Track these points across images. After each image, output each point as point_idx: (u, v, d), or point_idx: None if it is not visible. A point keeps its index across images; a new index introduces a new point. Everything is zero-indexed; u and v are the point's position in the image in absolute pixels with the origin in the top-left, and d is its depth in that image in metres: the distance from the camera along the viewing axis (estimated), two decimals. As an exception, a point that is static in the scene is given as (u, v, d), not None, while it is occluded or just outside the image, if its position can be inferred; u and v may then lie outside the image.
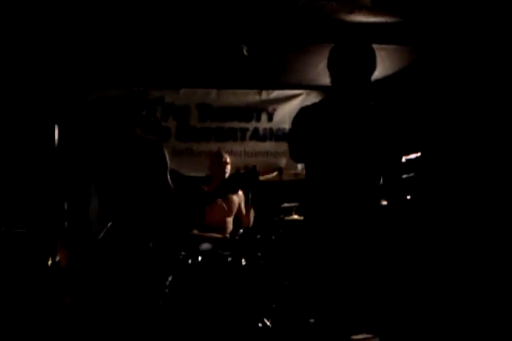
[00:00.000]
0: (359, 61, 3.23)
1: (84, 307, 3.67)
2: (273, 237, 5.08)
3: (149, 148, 3.96)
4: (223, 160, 5.81)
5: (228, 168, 5.84)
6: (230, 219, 5.83)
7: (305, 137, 3.36)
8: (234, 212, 5.88)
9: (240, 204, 5.92)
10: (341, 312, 3.57)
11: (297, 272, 4.74)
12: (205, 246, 5.20)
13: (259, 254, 4.95)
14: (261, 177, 5.66)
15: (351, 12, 4.70)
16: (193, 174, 6.69)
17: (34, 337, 4.39)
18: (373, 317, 4.86)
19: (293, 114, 7.04)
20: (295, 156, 3.52)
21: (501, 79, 5.12)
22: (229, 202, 5.81)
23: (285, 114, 7.05)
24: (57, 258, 3.90)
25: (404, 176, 5.66)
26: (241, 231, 5.34)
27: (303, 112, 3.46)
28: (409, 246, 5.39)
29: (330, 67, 3.35)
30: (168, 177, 3.91)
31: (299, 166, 6.88)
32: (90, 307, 3.69)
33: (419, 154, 5.60)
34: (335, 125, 3.26)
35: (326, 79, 6.59)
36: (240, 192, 5.94)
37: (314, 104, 3.47)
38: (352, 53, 3.25)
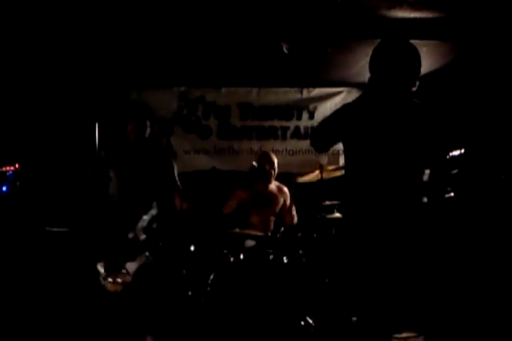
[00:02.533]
0: (403, 61, 3.18)
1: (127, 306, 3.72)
2: (315, 235, 5.06)
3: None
4: (271, 160, 5.78)
5: (275, 168, 5.82)
6: (273, 218, 5.83)
7: (340, 132, 3.41)
8: (277, 211, 5.87)
9: (284, 202, 5.91)
10: (384, 311, 3.55)
11: (339, 270, 4.71)
12: (250, 243, 5.21)
13: (300, 252, 4.93)
14: (301, 179, 5.67)
15: (392, 7, 4.65)
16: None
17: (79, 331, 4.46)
18: (416, 315, 4.83)
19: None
20: (318, 145, 3.61)
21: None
22: (272, 201, 5.80)
23: (326, 111, 7.00)
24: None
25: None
26: (282, 229, 5.33)
27: (345, 108, 3.45)
28: (453, 244, 5.32)
29: (372, 65, 3.29)
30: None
31: (341, 164, 6.85)
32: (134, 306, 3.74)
33: (462, 151, 5.52)
34: (377, 123, 3.23)
35: (367, 76, 6.62)
36: (285, 189, 5.94)
37: (356, 101, 3.44)
38: (396, 53, 3.20)
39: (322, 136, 3.53)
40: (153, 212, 3.93)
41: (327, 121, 3.52)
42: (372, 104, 3.30)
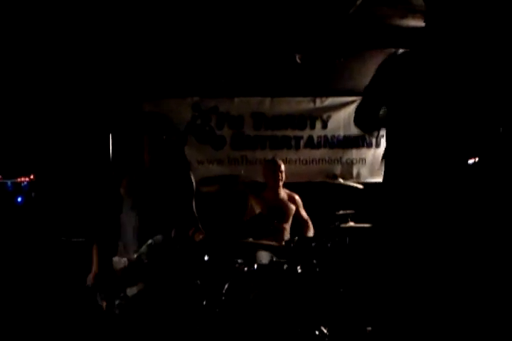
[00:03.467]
0: None
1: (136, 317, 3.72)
2: (329, 245, 5.05)
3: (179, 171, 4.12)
4: (277, 167, 5.83)
5: (283, 175, 5.86)
6: (286, 226, 5.84)
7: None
8: (290, 219, 5.88)
9: (297, 210, 5.91)
10: (403, 323, 3.51)
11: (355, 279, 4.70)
12: (263, 260, 5.21)
13: (314, 262, 4.92)
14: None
15: (404, 17, 4.65)
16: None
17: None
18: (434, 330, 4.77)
19: (347, 121, 7.10)
20: (363, 120, 3.38)
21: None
22: (283, 209, 5.82)
23: (339, 121, 7.02)
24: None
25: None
26: (296, 238, 5.33)
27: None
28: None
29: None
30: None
31: (354, 173, 6.85)
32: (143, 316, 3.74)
33: (476, 159, 5.50)
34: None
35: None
36: (297, 197, 5.94)
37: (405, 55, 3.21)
38: None
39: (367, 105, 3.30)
40: (159, 237, 3.90)
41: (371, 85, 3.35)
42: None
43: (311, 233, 5.84)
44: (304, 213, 5.96)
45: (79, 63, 5.65)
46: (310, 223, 5.93)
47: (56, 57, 5.46)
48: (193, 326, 4.46)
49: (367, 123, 3.38)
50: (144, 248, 3.87)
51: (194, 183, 4.20)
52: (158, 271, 3.81)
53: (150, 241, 3.85)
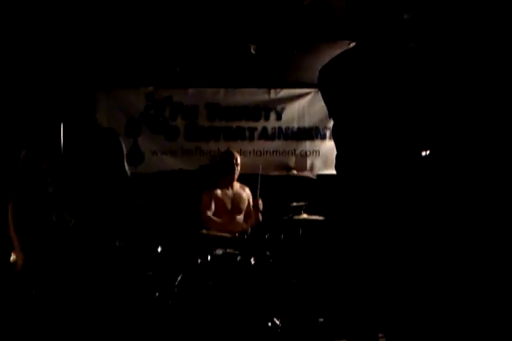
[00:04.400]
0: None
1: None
2: (282, 236, 5.07)
3: (107, 138, 3.79)
4: (234, 160, 5.82)
5: (238, 168, 5.86)
6: (239, 217, 5.84)
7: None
8: (244, 210, 5.88)
9: (249, 201, 5.92)
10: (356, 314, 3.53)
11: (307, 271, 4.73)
12: (218, 251, 5.21)
13: (268, 253, 4.94)
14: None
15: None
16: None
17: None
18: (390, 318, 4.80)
19: (301, 113, 7.12)
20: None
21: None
22: (238, 200, 5.82)
23: (294, 112, 7.03)
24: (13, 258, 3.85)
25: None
26: (250, 230, 5.35)
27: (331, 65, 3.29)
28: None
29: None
30: (126, 168, 3.75)
31: (308, 165, 6.88)
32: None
33: (428, 152, 5.57)
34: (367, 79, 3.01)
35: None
36: (247, 189, 5.95)
37: (343, 55, 3.25)
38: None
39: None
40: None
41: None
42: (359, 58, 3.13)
43: (256, 222, 5.83)
44: (252, 206, 5.96)
45: (30, 52, 5.53)
46: (258, 214, 5.93)
47: (4, 46, 5.34)
48: (146, 318, 4.44)
49: None
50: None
51: (127, 168, 3.91)
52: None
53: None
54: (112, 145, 3.75)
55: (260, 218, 5.85)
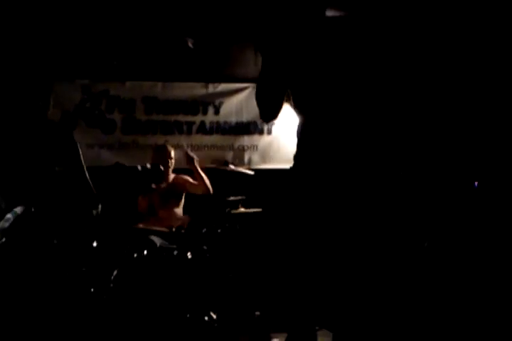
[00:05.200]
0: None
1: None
2: (219, 231, 5.08)
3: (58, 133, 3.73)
4: (167, 154, 5.80)
5: (172, 162, 5.84)
6: (177, 211, 5.83)
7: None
8: (181, 201, 5.87)
9: (185, 185, 5.89)
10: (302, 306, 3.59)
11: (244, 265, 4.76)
12: (157, 240, 5.18)
13: (205, 248, 4.95)
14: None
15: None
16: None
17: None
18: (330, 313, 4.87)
19: (239, 107, 7.15)
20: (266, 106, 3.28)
21: (446, 73, 5.21)
22: (172, 193, 5.81)
23: (232, 107, 7.05)
24: None
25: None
26: (187, 224, 5.34)
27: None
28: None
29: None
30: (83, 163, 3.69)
31: (246, 160, 6.91)
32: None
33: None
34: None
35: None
36: (181, 175, 5.94)
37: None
38: None
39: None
40: (19, 209, 3.46)
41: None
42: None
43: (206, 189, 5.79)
44: (196, 178, 5.88)
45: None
46: (207, 184, 5.87)
47: None
48: (80, 313, 4.40)
49: (271, 111, 3.30)
50: (1, 225, 3.45)
51: (81, 153, 3.82)
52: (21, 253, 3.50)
53: (8, 216, 3.44)
54: (65, 139, 3.69)
55: (210, 189, 5.82)
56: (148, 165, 5.24)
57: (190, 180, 5.91)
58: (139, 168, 4.98)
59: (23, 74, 6.27)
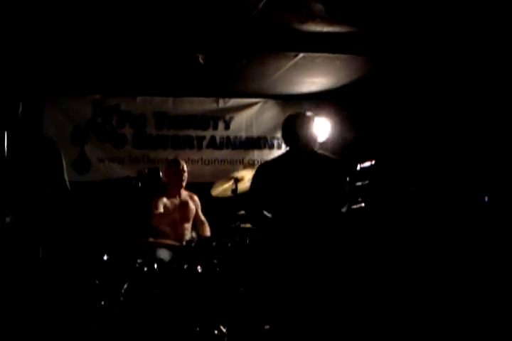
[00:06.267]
0: (302, 129, 4.03)
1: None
2: (229, 245, 5.09)
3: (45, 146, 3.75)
4: (180, 167, 5.81)
5: (185, 175, 5.84)
6: (187, 226, 5.83)
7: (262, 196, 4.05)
8: (191, 219, 5.88)
9: (196, 211, 5.92)
10: (298, 320, 3.64)
11: (254, 279, 4.76)
12: (164, 255, 5.19)
13: (215, 262, 4.95)
14: (215, 192, 5.69)
15: (305, 21, 4.73)
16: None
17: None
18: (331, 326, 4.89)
19: (249, 123, 7.20)
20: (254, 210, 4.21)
21: (454, 88, 5.23)
22: (185, 209, 5.81)
23: (242, 122, 7.09)
24: None
25: (359, 184, 5.75)
26: (197, 238, 5.35)
27: (260, 169, 4.16)
28: (364, 252, 5.47)
29: (283, 133, 4.17)
30: (66, 177, 3.71)
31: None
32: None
33: (373, 162, 5.68)
34: (291, 172, 3.94)
35: (282, 88, 6.73)
36: (196, 197, 5.95)
37: (271, 161, 4.21)
38: (297, 123, 4.07)
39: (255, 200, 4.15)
40: (8, 219, 3.49)
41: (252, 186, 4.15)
42: (285, 160, 4.05)
43: (208, 234, 5.86)
44: (201, 214, 5.98)
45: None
46: (207, 224, 5.96)
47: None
48: (91, 326, 4.41)
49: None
50: None
51: (66, 177, 3.82)
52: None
53: None
54: (50, 154, 3.70)
55: (208, 233, 5.87)
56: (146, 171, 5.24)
57: (199, 210, 5.95)
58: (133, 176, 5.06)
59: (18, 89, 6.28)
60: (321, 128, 6.98)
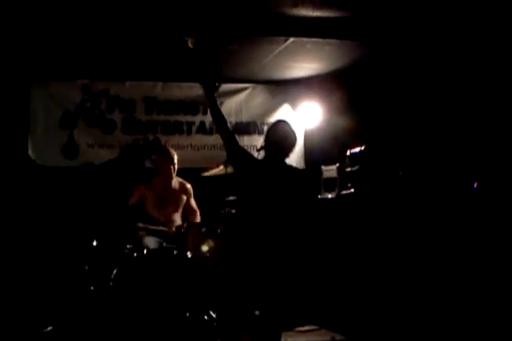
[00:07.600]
0: (282, 138, 4.10)
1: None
2: (219, 230, 5.09)
3: None
4: (171, 159, 5.76)
5: (175, 167, 5.78)
6: (177, 214, 5.82)
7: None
8: (180, 207, 5.86)
9: (188, 200, 5.91)
10: (284, 305, 3.66)
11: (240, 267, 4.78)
12: (151, 245, 5.19)
13: (205, 248, 4.96)
14: (206, 173, 5.67)
15: (295, 6, 4.71)
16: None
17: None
18: (317, 309, 4.93)
19: (239, 108, 7.17)
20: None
21: (445, 73, 5.23)
22: (176, 200, 5.80)
23: (231, 107, 7.06)
24: None
25: (349, 169, 5.76)
26: (186, 224, 5.34)
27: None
28: (350, 238, 5.49)
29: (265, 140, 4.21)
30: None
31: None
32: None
33: (363, 147, 5.68)
34: (264, 176, 4.05)
35: (271, 73, 6.70)
36: (188, 186, 5.94)
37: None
38: (279, 133, 4.12)
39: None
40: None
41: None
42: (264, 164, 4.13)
43: (198, 221, 5.85)
44: (193, 203, 5.96)
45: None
46: (198, 213, 5.95)
47: None
48: (80, 311, 4.41)
49: None
50: None
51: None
52: None
53: None
54: None
55: (198, 220, 5.88)
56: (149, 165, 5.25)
57: (191, 200, 5.92)
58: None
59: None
60: (311, 113, 7.00)
